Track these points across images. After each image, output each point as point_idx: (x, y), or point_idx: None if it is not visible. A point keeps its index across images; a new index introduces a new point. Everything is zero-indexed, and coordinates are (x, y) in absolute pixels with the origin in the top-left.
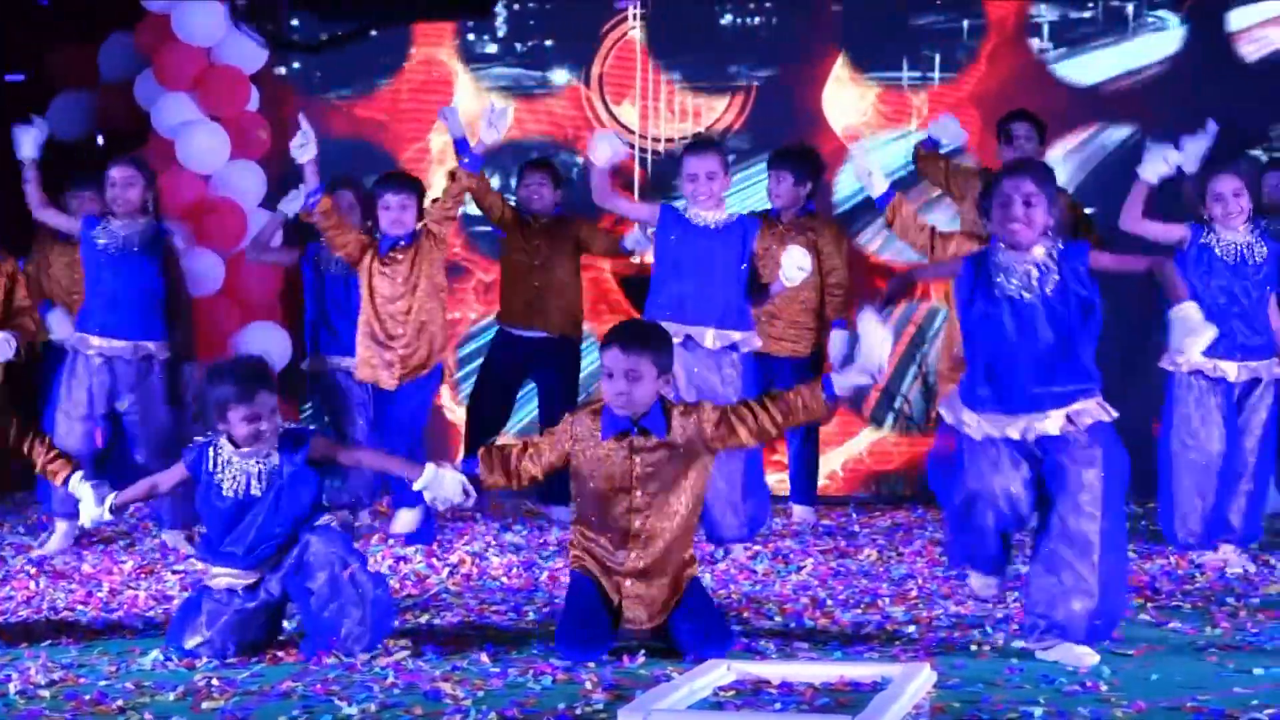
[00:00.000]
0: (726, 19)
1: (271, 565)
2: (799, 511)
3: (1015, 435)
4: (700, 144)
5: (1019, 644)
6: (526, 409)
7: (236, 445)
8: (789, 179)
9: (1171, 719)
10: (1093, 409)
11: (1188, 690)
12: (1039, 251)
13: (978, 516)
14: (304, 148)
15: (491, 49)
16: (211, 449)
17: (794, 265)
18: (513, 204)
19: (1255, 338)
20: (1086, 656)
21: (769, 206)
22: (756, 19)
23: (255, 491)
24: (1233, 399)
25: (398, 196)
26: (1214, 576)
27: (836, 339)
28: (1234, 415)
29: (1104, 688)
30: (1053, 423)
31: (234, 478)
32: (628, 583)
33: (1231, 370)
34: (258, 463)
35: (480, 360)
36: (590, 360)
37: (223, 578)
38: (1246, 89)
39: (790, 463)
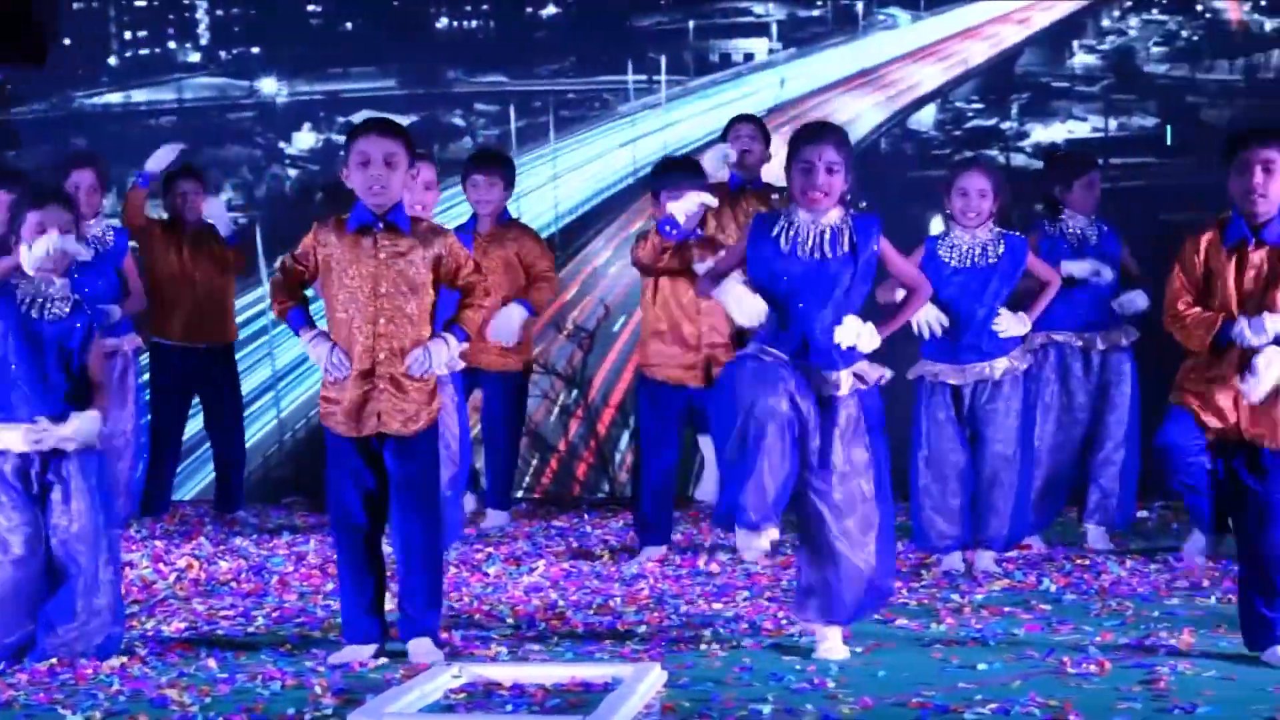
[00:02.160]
0: (443, 22)
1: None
2: (491, 516)
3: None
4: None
5: (748, 642)
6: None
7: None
8: (500, 184)
9: (898, 714)
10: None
11: (913, 686)
12: (834, 215)
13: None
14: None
15: (194, 58)
16: (15, 289)
17: None
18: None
19: (983, 340)
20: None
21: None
22: (474, 22)
23: (59, 313)
24: (959, 404)
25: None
26: (939, 574)
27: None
28: (957, 419)
29: (831, 684)
30: (843, 383)
31: (39, 298)
32: (380, 384)
33: (952, 375)
34: (58, 290)
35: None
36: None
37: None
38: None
39: (485, 469)
